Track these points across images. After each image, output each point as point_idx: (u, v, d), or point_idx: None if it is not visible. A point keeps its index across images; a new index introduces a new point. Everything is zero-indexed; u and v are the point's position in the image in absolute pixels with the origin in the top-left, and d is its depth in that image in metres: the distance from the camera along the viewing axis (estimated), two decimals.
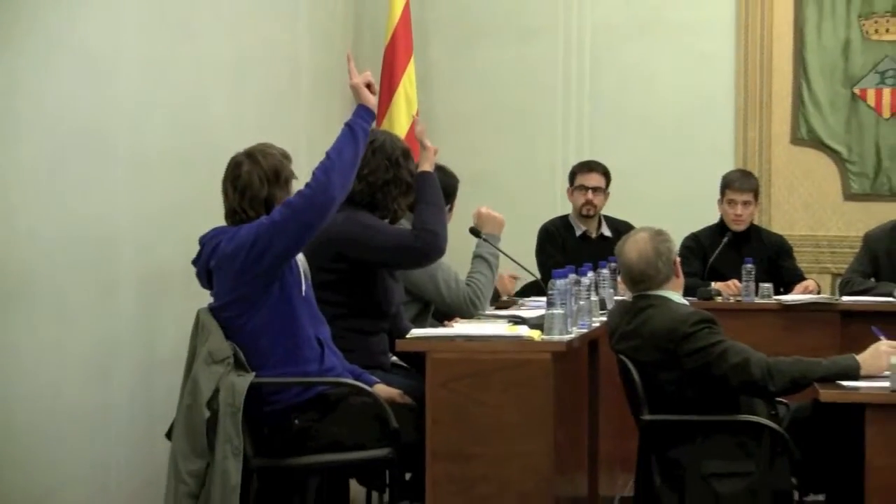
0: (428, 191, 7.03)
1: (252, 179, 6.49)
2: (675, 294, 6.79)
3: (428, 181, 7.14)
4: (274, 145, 6.70)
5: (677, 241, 10.23)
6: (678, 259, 6.86)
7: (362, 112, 6.67)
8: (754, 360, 6.45)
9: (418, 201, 7.10)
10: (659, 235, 6.92)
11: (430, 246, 6.97)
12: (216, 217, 6.64)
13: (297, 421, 6.46)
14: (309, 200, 6.30)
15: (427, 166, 7.12)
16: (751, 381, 6.46)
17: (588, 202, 10.29)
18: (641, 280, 6.85)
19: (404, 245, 7.03)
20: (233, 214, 6.53)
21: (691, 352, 6.50)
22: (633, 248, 6.89)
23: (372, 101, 6.75)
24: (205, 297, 6.48)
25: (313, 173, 6.37)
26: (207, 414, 6.20)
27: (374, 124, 6.91)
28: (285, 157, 6.68)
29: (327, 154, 6.44)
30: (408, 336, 6.59)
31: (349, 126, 6.57)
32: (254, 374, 6.29)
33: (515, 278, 9.14)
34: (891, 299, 9.71)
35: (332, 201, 6.34)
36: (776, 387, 6.48)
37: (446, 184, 8.01)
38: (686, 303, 6.84)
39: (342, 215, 6.88)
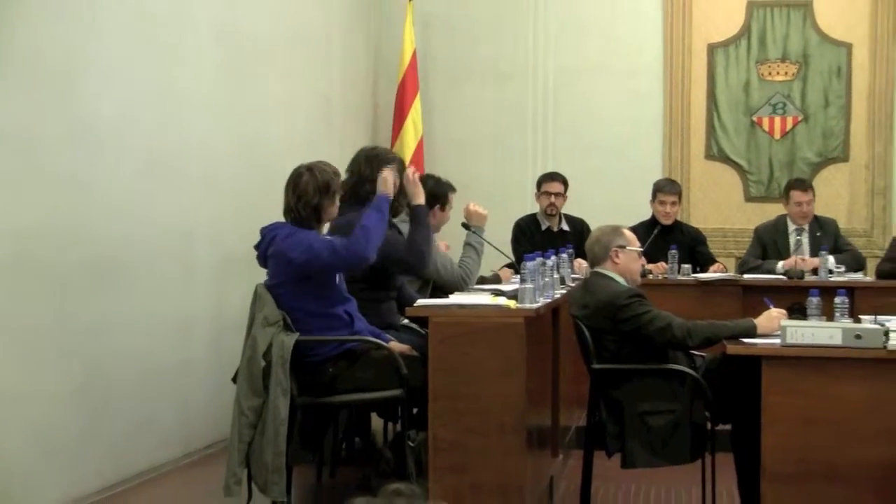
0: (420, 219, 6.98)
1: (308, 188, 6.44)
2: (616, 275, 6.78)
3: (419, 212, 7.08)
4: (329, 164, 6.64)
5: None
6: (617, 249, 6.83)
7: (384, 200, 6.65)
8: (676, 323, 6.45)
9: (412, 227, 7.07)
10: (609, 229, 6.94)
11: (418, 260, 6.97)
12: (269, 218, 6.62)
13: (330, 369, 6.45)
14: (352, 254, 6.32)
15: (419, 200, 7.05)
16: (674, 339, 6.47)
17: (551, 204, 10.28)
18: (590, 260, 6.90)
19: (400, 258, 7.02)
20: (288, 212, 6.49)
21: (626, 319, 6.49)
22: (590, 236, 6.98)
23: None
24: (261, 275, 6.47)
25: (355, 235, 6.35)
26: (263, 364, 6.18)
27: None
28: (336, 174, 6.64)
29: (363, 225, 6.41)
30: (415, 305, 6.59)
31: (379, 210, 6.57)
32: (298, 333, 6.27)
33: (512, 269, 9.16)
34: (777, 276, 9.88)
35: (367, 259, 6.40)
36: (694, 343, 6.49)
37: (440, 191, 8.04)
38: (623, 282, 6.82)
39: None
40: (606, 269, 6.82)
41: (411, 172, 6.92)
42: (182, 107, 7.75)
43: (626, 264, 6.85)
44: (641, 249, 7.15)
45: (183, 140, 7.76)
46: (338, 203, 6.60)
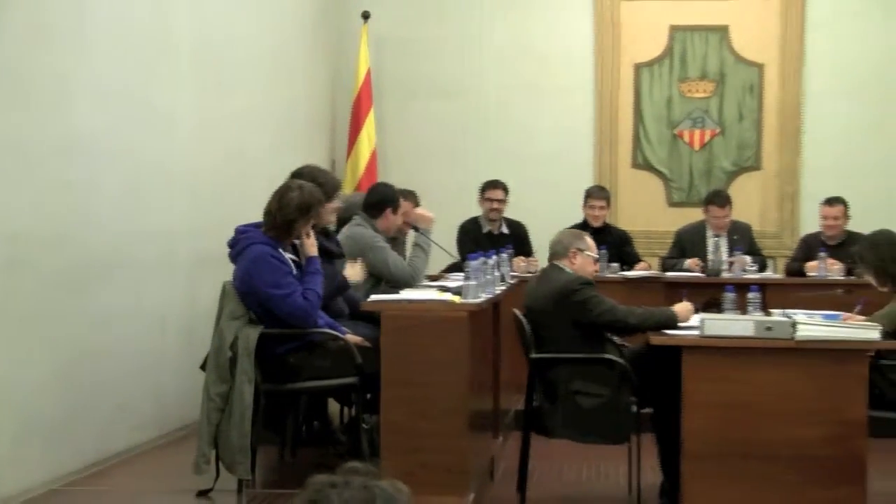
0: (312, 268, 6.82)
1: (291, 204, 6.44)
2: (570, 271, 6.82)
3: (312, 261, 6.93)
4: (318, 190, 6.66)
5: (549, 235, 10.36)
6: (576, 251, 6.89)
7: (315, 261, 6.66)
8: (618, 309, 6.61)
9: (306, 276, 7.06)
10: (574, 233, 7.19)
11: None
12: (240, 219, 6.66)
13: (291, 359, 6.45)
14: (302, 313, 6.36)
15: (312, 252, 6.78)
16: (614, 320, 6.59)
17: (493, 209, 10.30)
18: (550, 256, 7.00)
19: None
20: (268, 214, 6.48)
21: (576, 301, 6.58)
22: (556, 235, 7.14)
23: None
24: (230, 272, 6.46)
25: (306, 296, 6.38)
26: (230, 354, 6.19)
27: None
28: (320, 202, 6.64)
29: (314, 291, 6.45)
30: (369, 300, 6.60)
31: (317, 270, 6.58)
32: (262, 326, 6.26)
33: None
34: (692, 273, 9.98)
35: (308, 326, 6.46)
36: (631, 324, 6.62)
37: (388, 195, 8.04)
38: (576, 275, 6.88)
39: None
40: (563, 265, 6.89)
41: (306, 235, 6.80)
42: (162, 119, 7.76)
43: (582, 266, 6.92)
44: (597, 257, 7.25)
45: (163, 150, 7.76)
46: (311, 223, 6.59)
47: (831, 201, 10.30)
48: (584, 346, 6.63)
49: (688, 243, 10.46)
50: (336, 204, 7.39)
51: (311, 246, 6.64)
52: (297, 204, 6.45)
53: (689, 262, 10.13)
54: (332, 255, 7.24)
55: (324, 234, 7.19)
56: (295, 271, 6.49)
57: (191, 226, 8.06)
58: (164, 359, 7.80)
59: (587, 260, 6.97)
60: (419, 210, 8.18)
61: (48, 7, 6.38)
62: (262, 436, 6.49)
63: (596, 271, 7.33)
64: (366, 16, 11.91)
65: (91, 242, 6.85)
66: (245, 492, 6.20)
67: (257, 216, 6.54)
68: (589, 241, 7.07)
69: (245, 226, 6.52)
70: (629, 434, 6.68)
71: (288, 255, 6.54)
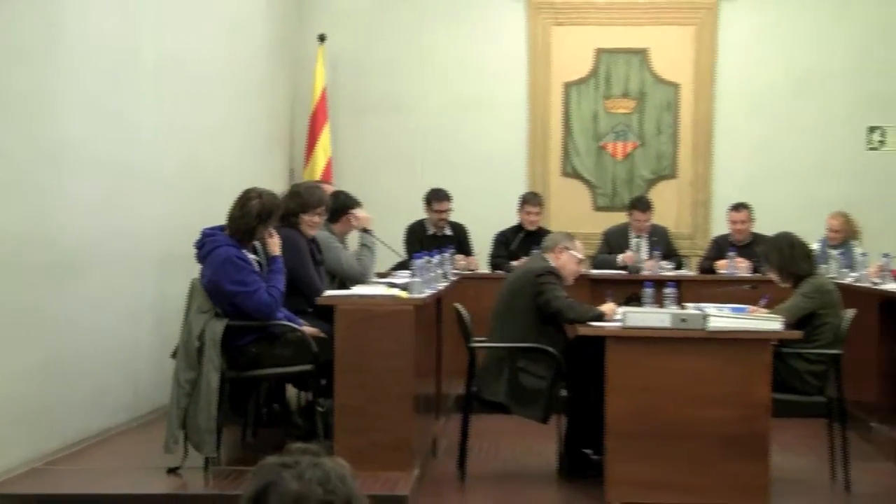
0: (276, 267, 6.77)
1: (252, 211, 6.42)
2: (553, 260, 6.99)
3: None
4: (276, 196, 6.70)
5: (488, 236, 10.41)
6: (562, 248, 7.06)
7: (279, 260, 6.64)
8: (564, 302, 6.75)
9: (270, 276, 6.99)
10: (564, 235, 7.34)
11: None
12: (204, 222, 6.61)
13: (253, 349, 6.43)
14: (266, 308, 6.33)
15: (276, 251, 6.74)
16: (558, 309, 6.73)
17: (440, 220, 10.28)
18: (541, 248, 7.26)
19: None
20: (231, 220, 6.45)
21: (538, 282, 6.80)
22: (551, 233, 7.69)
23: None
24: (197, 270, 6.43)
25: (270, 293, 6.37)
26: (198, 344, 6.16)
27: None
28: (279, 208, 6.65)
29: (277, 288, 6.45)
30: (323, 295, 6.61)
31: (280, 269, 6.57)
32: (227, 319, 6.23)
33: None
34: (618, 271, 10.02)
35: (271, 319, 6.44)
36: (568, 318, 6.75)
37: (343, 203, 8.03)
38: (552, 264, 6.96)
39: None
40: (548, 257, 7.07)
41: (269, 236, 6.79)
42: (131, 130, 7.68)
43: (564, 263, 7.06)
44: (582, 258, 7.33)
45: (132, 158, 7.68)
46: (271, 228, 6.57)
47: (738, 207, 10.39)
48: (539, 324, 6.81)
49: (614, 242, 10.52)
50: (317, 219, 7.39)
51: (274, 246, 6.63)
52: (258, 211, 6.43)
53: (622, 257, 10.16)
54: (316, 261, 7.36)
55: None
56: (257, 269, 6.48)
57: (158, 227, 7.98)
58: (137, 349, 7.74)
59: (571, 258, 7.10)
60: (359, 213, 8.17)
61: (22, 27, 6.29)
62: (226, 418, 6.45)
63: (580, 269, 7.38)
64: (322, 38, 11.88)
65: (66, 242, 6.75)
66: (211, 469, 6.18)
67: (222, 220, 6.51)
68: (578, 243, 7.26)
69: (210, 229, 6.49)
70: (552, 415, 6.79)
71: (251, 256, 6.53)
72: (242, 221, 6.42)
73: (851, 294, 7.89)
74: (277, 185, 9.92)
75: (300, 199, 7.29)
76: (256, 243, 6.62)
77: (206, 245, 6.40)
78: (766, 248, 7.36)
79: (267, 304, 6.34)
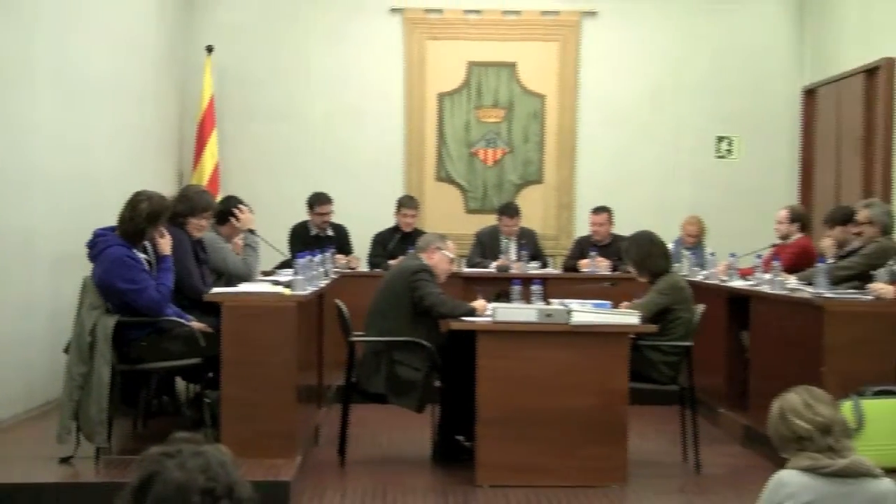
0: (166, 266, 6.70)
1: (142, 213, 6.35)
2: (426, 259, 7.01)
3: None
4: (166, 198, 6.64)
5: (368, 237, 10.39)
6: (435, 248, 7.08)
7: (168, 260, 6.57)
8: (437, 297, 6.76)
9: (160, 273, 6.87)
10: (437, 236, 7.33)
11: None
12: (97, 224, 6.53)
13: (143, 343, 6.36)
14: (155, 304, 6.28)
15: (166, 251, 6.70)
16: (431, 304, 6.73)
17: (323, 221, 10.21)
18: (416, 248, 7.25)
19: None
20: (121, 222, 6.37)
21: (413, 280, 6.80)
22: (425, 235, 7.65)
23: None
24: (90, 269, 6.33)
25: (159, 290, 6.33)
26: (90, 339, 6.10)
27: None
28: (167, 209, 6.58)
29: (166, 285, 6.42)
30: (211, 292, 6.55)
31: (169, 268, 6.53)
32: (118, 315, 6.17)
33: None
34: (486, 270, 10.02)
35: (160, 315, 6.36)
36: (441, 313, 6.75)
37: (230, 206, 7.95)
38: (426, 263, 6.99)
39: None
40: (422, 256, 7.09)
41: (159, 236, 6.70)
42: (27, 135, 7.53)
43: (437, 262, 7.09)
44: (453, 257, 7.36)
45: (28, 162, 7.53)
46: (160, 229, 6.48)
47: (598, 210, 10.52)
48: (414, 319, 6.80)
49: (487, 243, 10.57)
50: (204, 222, 7.33)
51: (164, 245, 6.56)
52: (148, 214, 6.37)
53: (495, 265, 10.12)
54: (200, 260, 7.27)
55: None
56: (147, 268, 6.39)
57: (52, 228, 7.84)
58: (30, 342, 7.59)
59: (444, 257, 7.13)
60: (244, 214, 8.13)
61: None
62: (117, 410, 6.41)
63: (451, 268, 7.39)
64: (210, 49, 11.75)
65: None
66: (102, 458, 6.11)
67: (113, 221, 6.43)
68: (449, 243, 7.29)
69: (102, 229, 6.42)
70: (427, 404, 6.81)
71: (141, 255, 6.44)
72: (132, 223, 6.35)
73: (702, 290, 8.04)
74: (167, 188, 9.80)
75: (190, 203, 7.22)
76: (147, 243, 6.54)
77: (98, 245, 6.34)
78: (627, 243, 7.46)
79: (156, 301, 6.28)
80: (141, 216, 6.35)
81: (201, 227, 7.31)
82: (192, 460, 2.19)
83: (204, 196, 7.47)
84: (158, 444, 2.27)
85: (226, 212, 7.92)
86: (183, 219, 7.15)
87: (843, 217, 8.23)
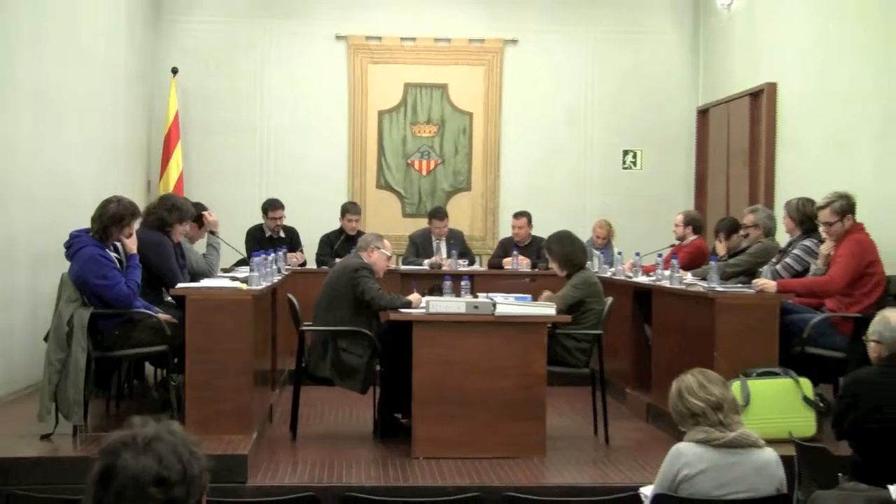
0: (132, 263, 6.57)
1: (108, 214, 6.31)
2: (366, 257, 7.00)
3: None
4: (134, 204, 6.51)
5: (316, 238, 10.33)
6: (374, 248, 7.04)
7: (135, 258, 6.48)
8: (376, 292, 6.76)
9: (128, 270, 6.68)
10: (376, 236, 7.27)
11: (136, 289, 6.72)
12: (72, 226, 6.47)
13: (116, 332, 6.30)
14: (125, 298, 6.22)
15: (132, 250, 6.56)
16: (371, 298, 6.73)
17: (276, 225, 10.14)
18: (356, 247, 7.22)
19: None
20: (92, 221, 6.33)
21: (354, 277, 6.80)
22: (365, 235, 7.57)
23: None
24: (66, 266, 6.26)
25: (129, 285, 6.26)
26: (67, 329, 6.03)
27: None
28: (134, 213, 6.48)
29: (135, 281, 6.34)
30: (177, 287, 6.51)
31: (137, 265, 6.45)
32: (93, 307, 6.12)
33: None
34: (421, 267, 9.96)
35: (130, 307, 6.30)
36: (380, 306, 6.78)
37: (195, 211, 7.87)
38: (366, 260, 6.98)
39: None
40: (362, 255, 7.06)
41: (127, 236, 6.60)
42: (6, 145, 7.40)
43: (376, 260, 7.08)
44: (390, 255, 7.32)
45: (8, 171, 7.41)
46: (126, 231, 6.39)
47: (518, 215, 10.55)
48: (357, 310, 6.79)
49: (420, 244, 10.54)
50: (187, 227, 7.35)
51: (131, 245, 6.49)
52: (113, 215, 6.33)
53: (428, 262, 10.11)
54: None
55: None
56: (117, 266, 6.33)
57: (32, 230, 7.73)
58: (12, 332, 7.48)
59: (381, 256, 7.10)
60: (209, 216, 8.11)
61: None
62: (92, 392, 6.35)
63: (389, 265, 7.37)
64: (175, 71, 11.65)
65: None
66: (79, 435, 6.05)
67: (87, 223, 6.39)
68: (387, 243, 7.26)
69: (77, 231, 6.38)
70: (369, 386, 6.79)
71: (112, 254, 6.38)
72: (99, 221, 6.32)
73: (610, 285, 8.10)
74: (136, 195, 9.73)
75: (180, 213, 7.19)
76: (118, 243, 6.47)
77: (74, 245, 6.29)
78: (549, 241, 7.41)
79: (126, 295, 6.23)
80: (106, 215, 6.32)
81: (183, 232, 7.30)
82: (145, 450, 2.16)
83: (188, 205, 7.46)
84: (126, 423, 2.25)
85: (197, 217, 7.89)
86: (170, 226, 7.11)
87: (731, 227, 8.42)
